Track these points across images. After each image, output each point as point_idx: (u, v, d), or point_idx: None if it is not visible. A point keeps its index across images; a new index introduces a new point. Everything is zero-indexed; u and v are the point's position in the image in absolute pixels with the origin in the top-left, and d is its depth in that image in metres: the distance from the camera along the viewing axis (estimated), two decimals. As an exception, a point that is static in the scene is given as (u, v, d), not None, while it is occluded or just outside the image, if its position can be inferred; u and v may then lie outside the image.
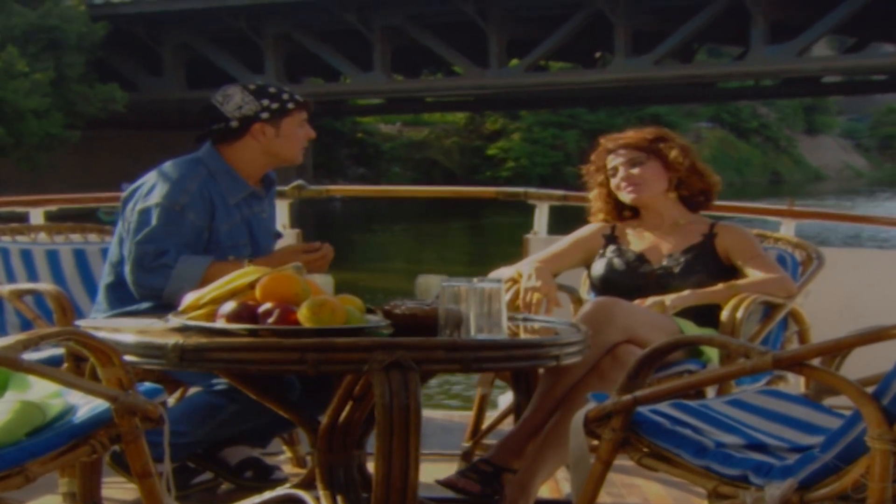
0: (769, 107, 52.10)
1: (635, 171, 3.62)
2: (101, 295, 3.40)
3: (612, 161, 3.66)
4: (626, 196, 3.65)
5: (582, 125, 43.27)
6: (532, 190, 4.97)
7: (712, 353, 3.27)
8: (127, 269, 3.25)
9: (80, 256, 3.90)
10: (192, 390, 3.38)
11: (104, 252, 3.91)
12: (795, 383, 3.31)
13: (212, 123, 3.38)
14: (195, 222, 3.26)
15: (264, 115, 3.36)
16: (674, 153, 3.61)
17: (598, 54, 32.01)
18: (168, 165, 3.39)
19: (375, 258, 21.29)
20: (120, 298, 3.32)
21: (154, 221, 3.24)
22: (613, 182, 3.67)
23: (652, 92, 35.24)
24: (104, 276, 3.40)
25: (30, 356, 2.33)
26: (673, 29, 27.56)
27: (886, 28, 27.48)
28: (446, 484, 2.96)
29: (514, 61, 30.97)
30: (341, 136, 39.91)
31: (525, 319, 3.02)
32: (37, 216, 4.59)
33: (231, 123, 3.36)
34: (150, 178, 3.36)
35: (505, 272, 3.58)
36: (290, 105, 3.40)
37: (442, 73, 35.10)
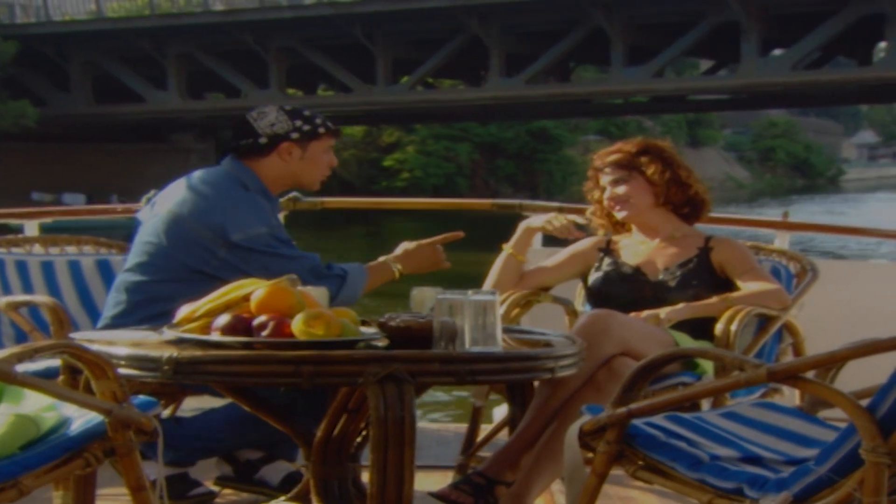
0: (654, 121, 54.36)
1: (620, 190, 3.65)
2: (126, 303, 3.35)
3: (603, 179, 3.70)
4: (616, 215, 3.68)
5: (473, 138, 45.80)
6: (526, 202, 4.97)
7: (707, 366, 3.28)
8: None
9: (76, 268, 3.90)
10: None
11: (99, 264, 3.91)
12: (790, 396, 3.31)
13: (240, 138, 3.40)
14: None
15: (294, 136, 3.38)
16: (651, 169, 3.62)
17: (482, 73, 34.13)
18: (216, 187, 3.34)
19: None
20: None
21: (275, 242, 3.25)
22: (605, 200, 3.70)
23: (536, 108, 37.92)
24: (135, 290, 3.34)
25: (26, 368, 2.33)
26: (544, 51, 30.98)
27: (734, 51, 29.72)
28: (439, 496, 2.96)
29: (405, 79, 33.89)
30: None
31: (521, 332, 3.03)
32: (32, 228, 4.59)
33: (260, 140, 3.37)
34: (209, 203, 3.29)
35: (536, 221, 3.72)
36: (321, 130, 3.42)
37: (335, 91, 37.39)
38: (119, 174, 36.86)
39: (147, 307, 3.25)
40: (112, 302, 3.37)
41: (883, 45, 29.24)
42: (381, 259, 3.45)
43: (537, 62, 31.17)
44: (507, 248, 3.75)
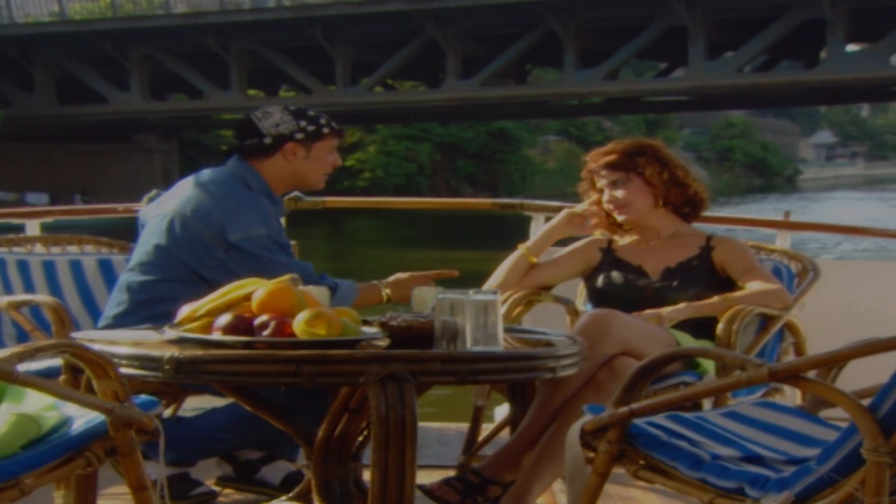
0: (613, 121, 54.89)
1: (618, 193, 3.63)
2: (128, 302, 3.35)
3: (599, 181, 3.68)
4: (616, 217, 3.67)
5: (433, 138, 46.26)
6: (528, 201, 4.96)
7: (708, 365, 3.27)
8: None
9: (77, 268, 3.89)
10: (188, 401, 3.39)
11: (101, 263, 3.91)
12: (791, 395, 3.31)
13: (245, 138, 3.40)
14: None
15: (298, 136, 3.39)
16: (649, 170, 3.61)
17: (440, 75, 34.82)
18: (220, 186, 3.34)
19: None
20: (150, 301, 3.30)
21: (272, 246, 3.26)
22: (604, 202, 3.68)
23: (494, 109, 38.79)
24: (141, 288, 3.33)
25: (27, 367, 2.33)
26: (499, 54, 31.84)
27: (683, 55, 30.69)
28: (426, 490, 2.94)
29: (365, 80, 34.29)
30: (206, 148, 42.31)
31: (522, 332, 3.03)
32: (33, 227, 4.59)
33: (265, 140, 3.38)
34: (212, 202, 3.29)
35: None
36: (325, 130, 3.44)
37: (296, 92, 38.18)
38: (83, 174, 37.43)
39: (150, 307, 3.24)
40: (114, 301, 3.37)
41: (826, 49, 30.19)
42: (374, 282, 3.48)
43: (492, 64, 32.11)
44: (523, 247, 3.75)
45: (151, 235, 3.33)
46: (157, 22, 34.51)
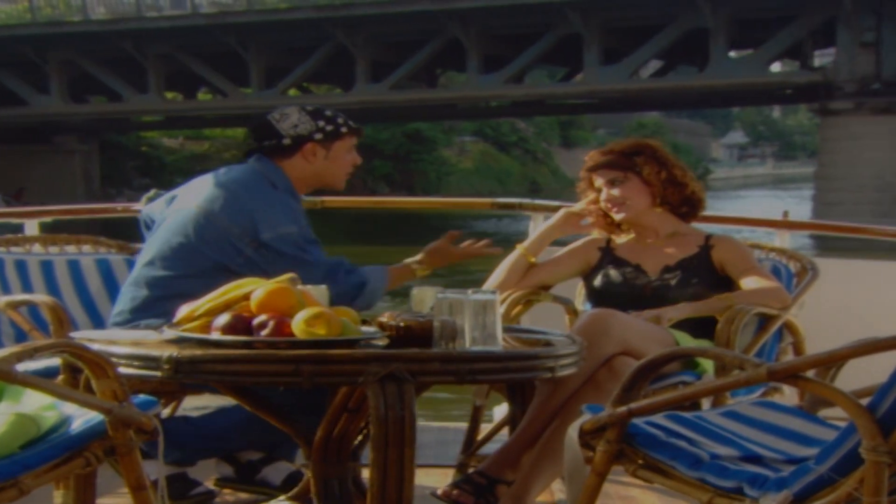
0: (527, 122, 56.18)
1: (616, 191, 3.64)
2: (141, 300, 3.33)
3: (597, 180, 3.69)
4: (613, 216, 3.67)
5: None
6: (526, 201, 4.97)
7: (707, 365, 3.27)
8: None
9: (75, 267, 3.89)
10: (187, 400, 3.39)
11: (99, 263, 3.90)
12: (790, 394, 3.31)
13: (263, 139, 3.40)
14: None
15: (318, 136, 3.40)
16: (647, 169, 3.61)
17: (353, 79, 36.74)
18: (247, 185, 3.34)
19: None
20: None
21: (303, 242, 3.26)
22: (601, 202, 3.68)
23: (409, 111, 40.55)
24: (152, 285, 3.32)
25: (26, 367, 2.33)
26: (407, 59, 33.93)
27: (580, 60, 32.83)
28: (441, 496, 2.96)
29: (280, 84, 35.94)
30: (126, 149, 43.66)
31: (521, 331, 3.03)
32: (32, 227, 4.59)
33: (283, 141, 3.38)
34: (241, 200, 3.29)
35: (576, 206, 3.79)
36: (344, 129, 3.45)
37: (213, 94, 39.78)
38: (3, 174, 37.92)
39: (168, 302, 3.20)
40: (127, 297, 3.34)
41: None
42: (405, 262, 3.48)
43: (400, 69, 34.08)
44: (521, 247, 3.75)
45: (172, 231, 3.31)
46: (76, 28, 35.82)
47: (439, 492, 2.97)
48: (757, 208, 42.58)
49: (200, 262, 3.24)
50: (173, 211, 3.36)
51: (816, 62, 33.56)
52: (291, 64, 35.23)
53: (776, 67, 37.06)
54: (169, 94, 38.59)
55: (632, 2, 30.85)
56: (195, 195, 3.34)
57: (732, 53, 33.17)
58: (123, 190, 40.09)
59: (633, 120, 64.49)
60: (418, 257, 3.49)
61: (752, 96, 38.88)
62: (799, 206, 34.68)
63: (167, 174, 43.06)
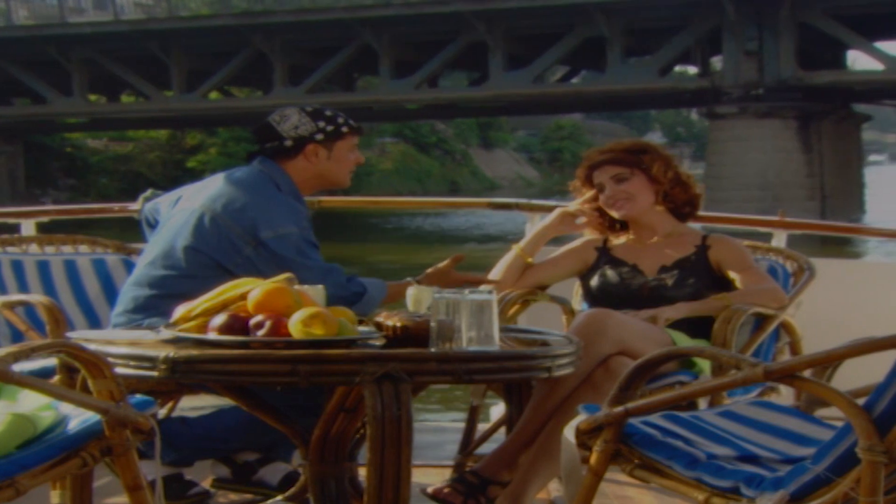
0: (447, 123, 56.64)
1: (621, 187, 3.63)
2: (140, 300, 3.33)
3: (598, 177, 3.68)
4: (615, 212, 3.66)
5: None
6: (523, 201, 4.97)
7: (704, 365, 3.28)
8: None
9: (71, 267, 3.89)
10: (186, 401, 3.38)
11: (95, 263, 3.90)
12: (787, 394, 3.32)
13: (265, 142, 3.40)
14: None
15: (319, 137, 3.40)
16: (656, 166, 3.62)
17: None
18: (251, 185, 3.34)
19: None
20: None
21: (303, 244, 3.26)
22: (602, 198, 3.67)
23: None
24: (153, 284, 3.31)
25: (22, 367, 2.33)
26: (322, 64, 35.59)
27: (486, 66, 34.41)
28: (431, 495, 2.95)
29: (202, 87, 37.41)
30: (51, 150, 43.71)
31: (518, 331, 3.03)
32: (28, 227, 4.59)
33: (285, 143, 3.38)
34: (244, 199, 3.29)
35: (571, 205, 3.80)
36: (345, 129, 3.45)
37: (136, 97, 40.83)
38: None
39: (170, 301, 3.20)
40: (130, 296, 3.33)
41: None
42: (406, 279, 3.43)
43: (316, 73, 35.71)
44: (517, 247, 3.75)
45: (175, 232, 3.31)
46: (0, 33, 37.02)
47: (430, 489, 2.97)
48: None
49: (202, 261, 3.24)
50: (177, 211, 3.36)
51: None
52: (212, 68, 36.51)
53: (684, 71, 38.83)
54: (93, 97, 39.58)
55: (533, 12, 32.40)
56: (200, 195, 3.35)
57: (632, 60, 35.05)
58: (48, 190, 40.81)
59: (552, 122, 65.18)
60: (419, 277, 3.49)
61: (649, 100, 40.49)
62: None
63: (92, 174, 43.66)
